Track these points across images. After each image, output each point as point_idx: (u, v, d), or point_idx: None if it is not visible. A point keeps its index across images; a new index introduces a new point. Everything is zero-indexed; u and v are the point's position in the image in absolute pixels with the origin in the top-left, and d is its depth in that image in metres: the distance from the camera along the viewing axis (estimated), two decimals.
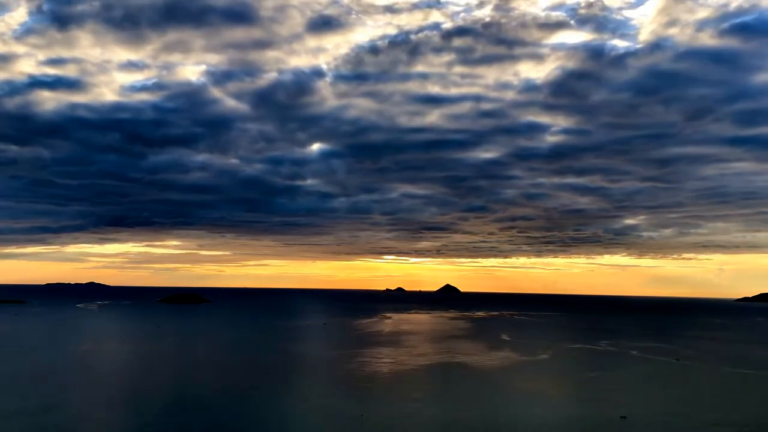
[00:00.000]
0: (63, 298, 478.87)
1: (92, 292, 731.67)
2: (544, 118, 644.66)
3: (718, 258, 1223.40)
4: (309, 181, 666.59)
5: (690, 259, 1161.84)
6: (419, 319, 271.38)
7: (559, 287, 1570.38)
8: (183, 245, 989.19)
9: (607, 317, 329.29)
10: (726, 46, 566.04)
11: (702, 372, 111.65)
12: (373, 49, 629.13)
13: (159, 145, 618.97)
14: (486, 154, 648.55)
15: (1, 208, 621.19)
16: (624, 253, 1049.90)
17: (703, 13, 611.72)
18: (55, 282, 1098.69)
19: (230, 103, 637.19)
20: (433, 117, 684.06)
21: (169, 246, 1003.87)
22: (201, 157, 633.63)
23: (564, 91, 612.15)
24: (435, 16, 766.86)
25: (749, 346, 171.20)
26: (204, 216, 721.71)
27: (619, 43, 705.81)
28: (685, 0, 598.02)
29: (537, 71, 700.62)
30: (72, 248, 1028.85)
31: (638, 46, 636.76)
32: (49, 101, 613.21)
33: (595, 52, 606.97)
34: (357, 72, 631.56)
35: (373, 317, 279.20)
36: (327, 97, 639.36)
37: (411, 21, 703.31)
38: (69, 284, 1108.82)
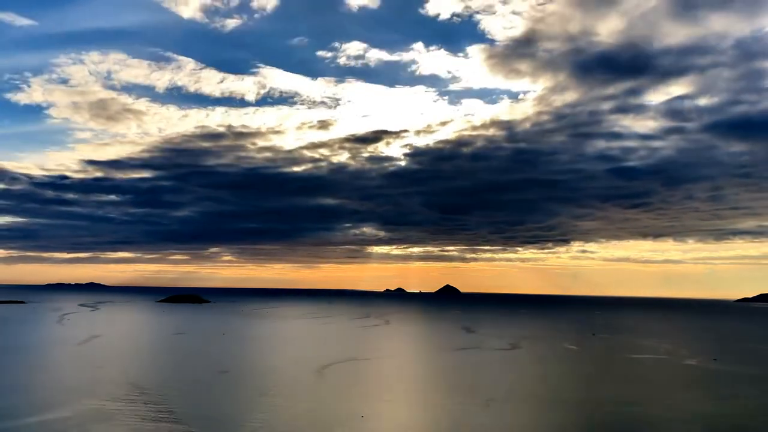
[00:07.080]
0: (62, 298, 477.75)
1: (92, 292, 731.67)
2: None
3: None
4: None
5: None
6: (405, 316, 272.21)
7: (563, 288, 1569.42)
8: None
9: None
10: None
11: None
12: None
13: None
14: None
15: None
16: (635, 254, 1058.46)
17: None
18: (55, 282, 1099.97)
19: None
20: None
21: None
22: None
23: None
24: None
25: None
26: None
27: None
28: None
29: None
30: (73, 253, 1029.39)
31: None
32: None
33: None
34: None
35: (364, 315, 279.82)
36: None
37: None
38: (69, 284, 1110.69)
